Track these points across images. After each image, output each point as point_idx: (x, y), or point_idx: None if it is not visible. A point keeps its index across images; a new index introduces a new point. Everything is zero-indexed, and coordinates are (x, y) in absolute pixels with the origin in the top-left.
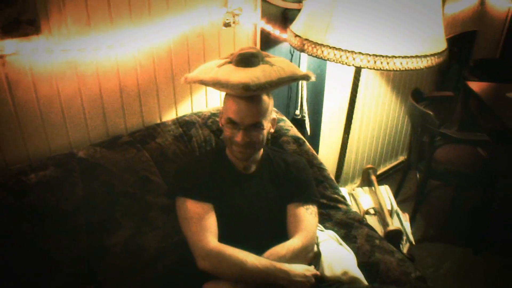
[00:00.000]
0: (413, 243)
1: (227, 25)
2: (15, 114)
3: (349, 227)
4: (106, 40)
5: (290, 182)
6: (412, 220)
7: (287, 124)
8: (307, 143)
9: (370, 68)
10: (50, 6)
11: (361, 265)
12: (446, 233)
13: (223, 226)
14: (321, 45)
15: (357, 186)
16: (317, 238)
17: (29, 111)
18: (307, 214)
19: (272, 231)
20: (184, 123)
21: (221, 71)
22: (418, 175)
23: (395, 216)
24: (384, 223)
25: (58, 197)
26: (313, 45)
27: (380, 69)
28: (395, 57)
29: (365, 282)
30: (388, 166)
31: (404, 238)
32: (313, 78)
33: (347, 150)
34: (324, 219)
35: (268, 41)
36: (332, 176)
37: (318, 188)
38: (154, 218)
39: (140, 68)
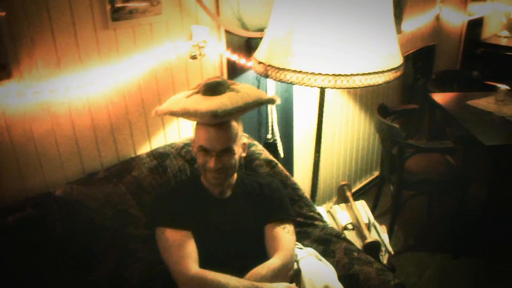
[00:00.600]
0: (392, 253)
1: (193, 57)
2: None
3: (327, 242)
4: (77, 80)
5: (265, 203)
6: (390, 232)
7: (258, 148)
8: (279, 165)
9: (332, 88)
10: (20, 51)
11: (341, 278)
12: (425, 241)
13: (203, 251)
14: (283, 69)
15: (334, 204)
16: (296, 255)
17: (4, 153)
18: (284, 233)
19: (252, 252)
20: (158, 155)
21: (189, 101)
22: (391, 187)
23: (372, 229)
24: (362, 236)
25: (37, 236)
26: (276, 70)
27: (341, 88)
28: (354, 75)
29: None
30: (364, 182)
31: (383, 249)
32: (278, 101)
33: (322, 169)
34: (302, 237)
35: (234, 70)
36: (308, 195)
37: (294, 207)
38: (135, 250)
39: (112, 105)
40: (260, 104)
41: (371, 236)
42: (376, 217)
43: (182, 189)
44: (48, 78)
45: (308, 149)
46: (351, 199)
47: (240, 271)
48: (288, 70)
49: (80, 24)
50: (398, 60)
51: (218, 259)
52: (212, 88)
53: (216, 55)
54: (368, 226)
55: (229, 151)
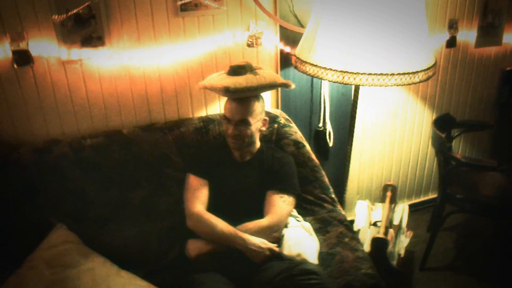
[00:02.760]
0: (401, 255)
1: (250, 45)
2: (87, 100)
3: (326, 223)
4: (151, 53)
5: (272, 173)
6: (430, 244)
7: (292, 129)
8: (307, 148)
9: (341, 83)
10: (112, 27)
11: (320, 254)
12: (462, 261)
13: (213, 199)
14: (305, 62)
15: (379, 202)
16: (287, 223)
17: (96, 99)
18: (280, 202)
19: (251, 211)
20: (206, 119)
21: (216, 79)
22: (437, 199)
23: (399, 232)
24: (378, 232)
25: (100, 156)
26: (300, 62)
27: (348, 83)
28: (360, 73)
29: (316, 265)
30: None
31: (396, 250)
32: (292, 87)
33: (376, 167)
34: (307, 213)
35: (287, 61)
36: (356, 187)
37: (307, 186)
38: (170, 186)
39: (177, 75)
40: (275, 87)
41: (384, 235)
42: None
43: (212, 148)
44: (129, 49)
45: (367, 144)
46: (387, 199)
47: (235, 223)
48: (309, 63)
49: (157, 12)
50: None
51: (223, 209)
52: (234, 70)
53: (271, 46)
54: (398, 228)
55: (246, 122)
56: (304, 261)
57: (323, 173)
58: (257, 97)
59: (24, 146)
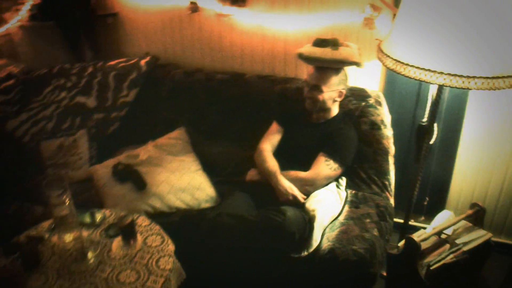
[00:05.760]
0: (430, 267)
1: (364, 27)
2: (230, 46)
3: (362, 200)
4: (280, 18)
5: (329, 139)
6: None
7: (376, 111)
8: (382, 130)
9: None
10: None
11: (335, 220)
12: None
13: (280, 144)
14: (387, 55)
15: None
16: (327, 185)
17: (236, 47)
18: (324, 164)
19: (301, 163)
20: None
21: (304, 48)
22: None
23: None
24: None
25: (222, 88)
26: (382, 55)
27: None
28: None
29: (320, 224)
30: None
31: (427, 260)
32: (361, 66)
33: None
34: (353, 187)
35: None
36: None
37: (363, 164)
38: (262, 125)
39: (296, 41)
40: (347, 63)
41: (422, 240)
42: None
43: (298, 106)
44: (264, 12)
45: (477, 150)
46: (459, 217)
47: (285, 168)
48: (389, 56)
49: None
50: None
51: (283, 154)
52: (317, 42)
53: (385, 31)
54: (446, 239)
55: (318, 88)
56: (312, 215)
57: (389, 159)
58: (336, 70)
59: (178, 69)
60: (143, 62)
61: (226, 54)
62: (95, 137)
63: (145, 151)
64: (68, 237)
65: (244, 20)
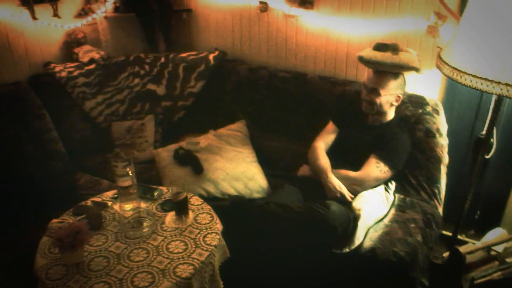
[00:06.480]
0: (474, 281)
1: (428, 35)
2: (294, 46)
3: (410, 206)
4: (345, 22)
5: (382, 142)
6: None
7: (433, 119)
8: (437, 139)
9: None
10: None
11: (378, 221)
12: None
13: (334, 143)
14: (445, 62)
15: None
16: (371, 187)
17: (300, 47)
18: (374, 166)
19: (353, 163)
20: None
21: (365, 51)
22: None
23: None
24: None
25: (285, 85)
26: (440, 61)
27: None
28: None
29: (365, 223)
30: None
31: (472, 274)
32: (421, 72)
33: None
34: (402, 191)
35: None
36: None
37: (415, 171)
38: (317, 123)
39: (360, 45)
40: (406, 68)
41: (468, 252)
42: None
43: (356, 108)
44: (330, 15)
45: None
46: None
47: (337, 166)
48: (446, 63)
49: None
50: None
51: (336, 153)
52: (378, 46)
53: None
54: (494, 256)
55: (376, 91)
56: (358, 214)
57: (441, 168)
58: (395, 74)
59: (244, 65)
60: (211, 56)
61: (290, 53)
62: (161, 123)
63: (206, 139)
64: (128, 207)
65: (310, 22)
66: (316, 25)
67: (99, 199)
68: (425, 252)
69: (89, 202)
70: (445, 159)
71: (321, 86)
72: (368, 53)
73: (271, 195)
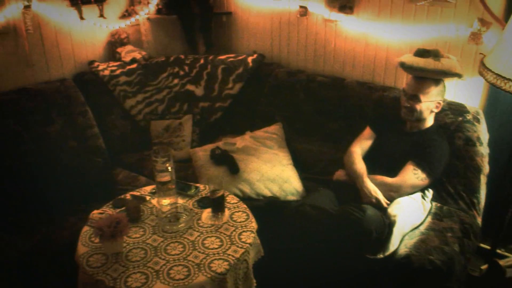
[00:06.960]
0: None
1: (470, 41)
2: (333, 50)
3: (447, 214)
4: (385, 27)
5: (420, 149)
6: None
7: (473, 128)
8: (477, 148)
9: None
10: (360, 1)
11: (413, 229)
12: None
13: (371, 149)
14: (488, 68)
15: None
16: (408, 193)
17: (339, 51)
18: (411, 173)
19: (390, 169)
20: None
21: (405, 57)
22: None
23: None
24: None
25: (321, 90)
26: (482, 68)
27: None
28: None
29: (400, 230)
30: None
31: None
32: (463, 78)
33: None
34: (440, 200)
35: None
36: None
37: (453, 179)
38: (354, 128)
39: (400, 51)
40: (449, 75)
41: (509, 266)
42: None
43: (394, 114)
44: (370, 21)
45: None
46: None
47: (373, 172)
48: (490, 70)
49: None
50: None
51: (373, 159)
52: (419, 52)
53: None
54: None
55: (417, 98)
56: (393, 220)
57: (480, 178)
58: (436, 81)
59: (282, 68)
60: (250, 59)
61: (329, 58)
62: (199, 123)
63: (242, 140)
64: (166, 201)
65: (350, 27)
66: (355, 30)
67: (138, 193)
68: (462, 263)
69: (128, 196)
70: (485, 168)
71: (359, 91)
72: (410, 59)
73: (305, 197)
